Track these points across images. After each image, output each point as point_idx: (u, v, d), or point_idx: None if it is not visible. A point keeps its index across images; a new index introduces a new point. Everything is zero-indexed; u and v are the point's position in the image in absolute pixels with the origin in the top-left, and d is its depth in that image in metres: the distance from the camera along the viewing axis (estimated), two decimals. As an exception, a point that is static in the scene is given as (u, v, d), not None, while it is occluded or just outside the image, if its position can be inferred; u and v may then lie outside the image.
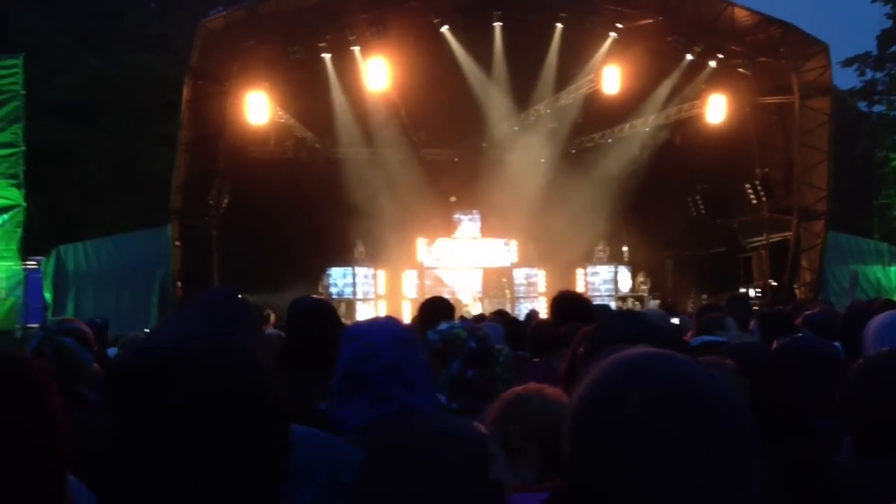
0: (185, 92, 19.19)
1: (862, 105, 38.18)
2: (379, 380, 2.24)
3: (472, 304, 20.81)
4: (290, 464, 1.73)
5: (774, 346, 2.57)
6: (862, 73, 37.07)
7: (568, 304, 4.84)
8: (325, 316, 3.34)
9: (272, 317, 16.52)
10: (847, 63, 36.25)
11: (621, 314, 2.56)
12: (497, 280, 23.01)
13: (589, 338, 2.36)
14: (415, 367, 2.31)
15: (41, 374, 1.38)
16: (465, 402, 3.09)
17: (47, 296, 19.18)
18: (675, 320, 7.70)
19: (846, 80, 37.26)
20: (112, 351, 7.31)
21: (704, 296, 21.58)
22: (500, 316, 8.52)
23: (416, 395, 2.28)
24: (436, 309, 4.90)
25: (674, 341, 2.33)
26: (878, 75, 36.99)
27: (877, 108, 37.73)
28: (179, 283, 19.15)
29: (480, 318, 9.57)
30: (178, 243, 19.42)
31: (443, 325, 3.37)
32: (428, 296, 20.01)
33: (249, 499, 1.24)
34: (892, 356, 2.36)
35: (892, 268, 22.87)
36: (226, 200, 20.32)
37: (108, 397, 1.23)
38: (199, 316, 1.33)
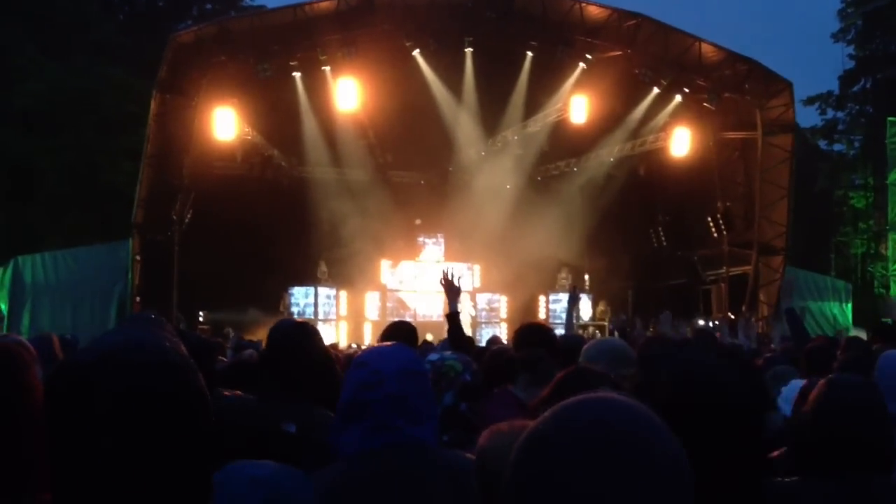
0: (153, 105, 19.05)
1: (822, 143, 38.98)
2: (380, 409, 2.22)
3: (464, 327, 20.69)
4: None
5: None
6: (823, 112, 37.94)
7: (531, 335, 4.81)
8: (303, 341, 3.21)
9: (231, 334, 16.34)
10: (809, 102, 37.11)
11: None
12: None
13: (558, 383, 2.32)
14: (419, 399, 2.28)
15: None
16: (455, 435, 3.05)
17: (2, 307, 18.82)
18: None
19: (807, 118, 38.11)
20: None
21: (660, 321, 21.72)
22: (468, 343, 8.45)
23: (419, 428, 2.25)
24: (399, 333, 4.86)
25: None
26: (839, 115, 37.87)
27: (836, 147, 38.60)
28: (138, 299, 18.89)
29: (495, 339, 9.47)
30: (138, 258, 19.19)
31: (433, 356, 3.32)
32: (390, 318, 20.04)
33: (183, 490, 1.25)
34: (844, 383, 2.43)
35: (849, 304, 23.24)
36: (188, 216, 20.13)
37: (53, 392, 1.25)
38: (126, 328, 1.39)
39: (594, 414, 1.02)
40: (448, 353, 3.65)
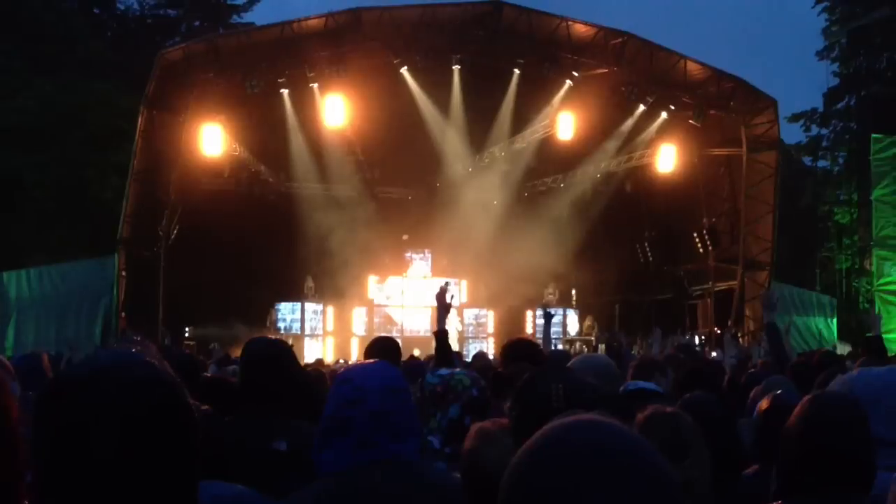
0: (140, 121, 19.04)
1: (807, 160, 39.21)
2: (363, 425, 2.23)
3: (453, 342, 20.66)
4: None
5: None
6: (807, 129, 38.17)
7: (518, 350, 4.84)
8: (281, 358, 3.24)
9: (216, 349, 16.28)
10: (794, 119, 37.32)
11: (545, 374, 2.50)
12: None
13: (516, 399, 2.34)
14: (402, 416, 2.29)
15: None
16: (459, 448, 3.09)
17: (-14, 323, 18.71)
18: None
19: (792, 135, 38.29)
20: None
21: (650, 341, 21.75)
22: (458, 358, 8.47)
23: (402, 444, 2.26)
24: (382, 350, 4.88)
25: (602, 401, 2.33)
26: (824, 132, 38.11)
27: (821, 164, 38.86)
28: (124, 314, 18.81)
29: (481, 355, 9.50)
30: (123, 273, 19.11)
31: (443, 370, 3.38)
32: (377, 333, 19.97)
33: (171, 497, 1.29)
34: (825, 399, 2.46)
35: (834, 319, 23.35)
36: (175, 231, 20.09)
37: (44, 408, 1.27)
38: (119, 347, 1.44)
39: (585, 433, 1.06)
40: (458, 368, 3.71)
